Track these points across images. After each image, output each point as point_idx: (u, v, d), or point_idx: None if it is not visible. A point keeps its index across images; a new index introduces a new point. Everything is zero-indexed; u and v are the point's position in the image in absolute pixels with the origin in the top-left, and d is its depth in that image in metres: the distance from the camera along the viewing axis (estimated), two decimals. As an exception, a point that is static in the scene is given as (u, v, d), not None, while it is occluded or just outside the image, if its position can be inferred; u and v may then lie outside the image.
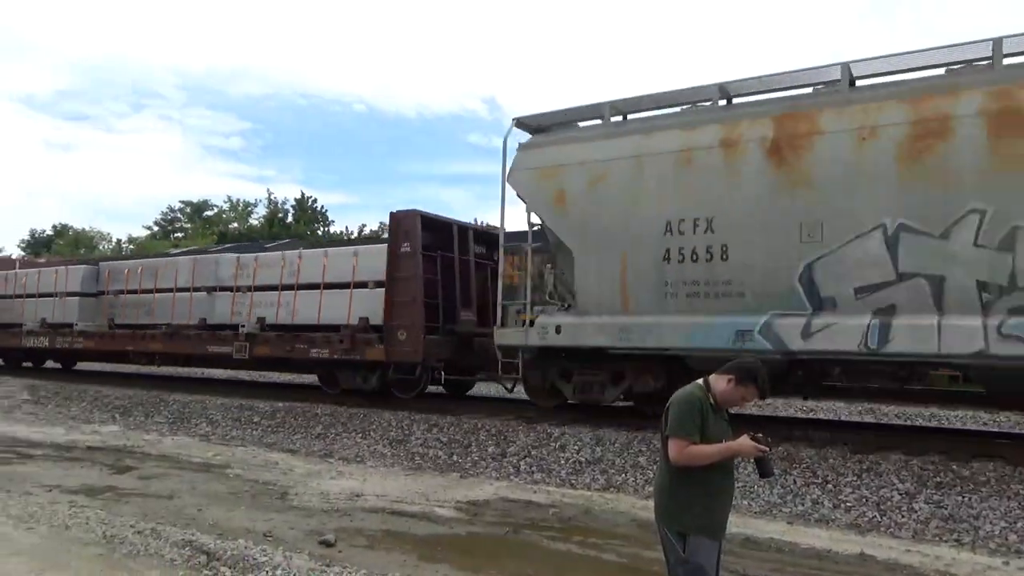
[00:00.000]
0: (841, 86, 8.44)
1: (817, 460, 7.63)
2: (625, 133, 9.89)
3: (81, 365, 20.25)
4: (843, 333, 7.94)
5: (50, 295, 17.99)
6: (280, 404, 12.20)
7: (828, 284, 8.12)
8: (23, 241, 55.63)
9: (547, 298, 10.71)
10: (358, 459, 9.26)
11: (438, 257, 12.15)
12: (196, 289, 15.00)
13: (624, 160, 9.61)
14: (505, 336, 10.56)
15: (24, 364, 20.09)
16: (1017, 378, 7.65)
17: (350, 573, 4.75)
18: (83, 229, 56.59)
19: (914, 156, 7.75)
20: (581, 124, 10.63)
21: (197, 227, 53.08)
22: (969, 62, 8.04)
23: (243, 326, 13.77)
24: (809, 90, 8.87)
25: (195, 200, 55.57)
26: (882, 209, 7.86)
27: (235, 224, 51.79)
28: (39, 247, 52.43)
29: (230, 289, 14.49)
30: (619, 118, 10.11)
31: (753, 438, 3.18)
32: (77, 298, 17.30)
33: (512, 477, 8.23)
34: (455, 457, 9.03)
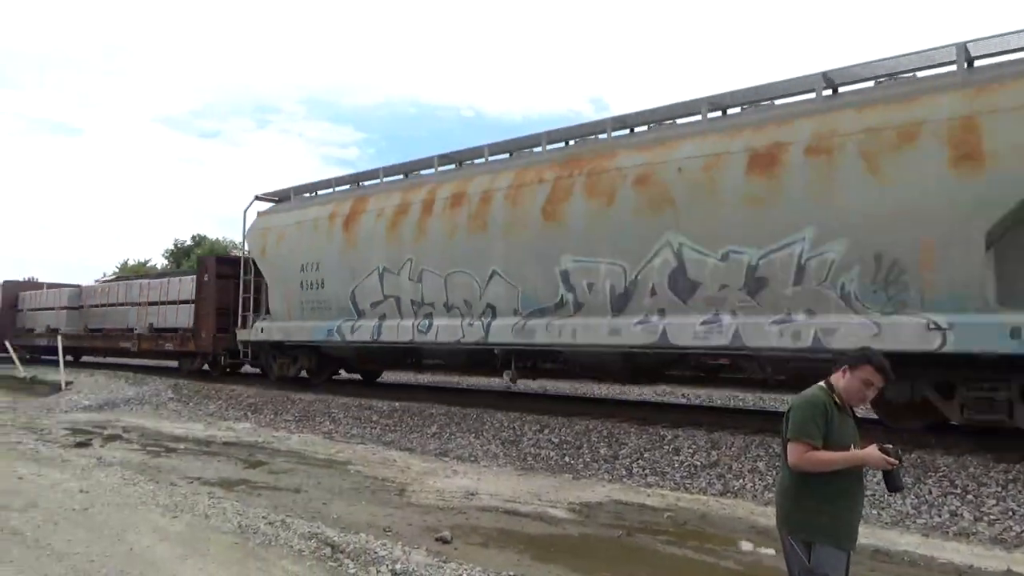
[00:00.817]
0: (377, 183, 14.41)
1: (955, 469, 7.10)
2: (296, 208, 15.84)
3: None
4: (365, 330, 13.45)
5: (51, 308, 26.51)
6: (397, 404, 12.62)
7: (361, 301, 13.62)
8: (167, 251, 60.18)
9: (265, 310, 16.48)
10: (472, 458, 9.44)
11: (231, 282, 17.22)
12: (125, 304, 22.87)
13: (292, 226, 15.43)
14: (240, 334, 16.58)
15: (43, 357, 26.62)
16: (431, 355, 14.42)
17: (466, 570, 4.85)
18: (217, 239, 60.62)
19: (393, 227, 13.01)
20: (314, 194, 16.09)
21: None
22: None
23: (135, 329, 21.48)
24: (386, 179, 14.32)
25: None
26: (378, 259, 13.26)
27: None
28: (181, 256, 56.46)
29: (138, 304, 21.97)
30: (328, 190, 15.86)
31: (882, 449, 2.98)
32: (65, 311, 25.63)
33: (624, 479, 8.14)
34: (567, 458, 9.04)
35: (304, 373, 16.15)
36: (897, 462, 2.97)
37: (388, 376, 19.99)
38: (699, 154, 9.40)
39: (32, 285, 30.50)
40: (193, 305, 18.54)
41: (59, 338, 21.31)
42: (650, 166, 9.83)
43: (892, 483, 3.07)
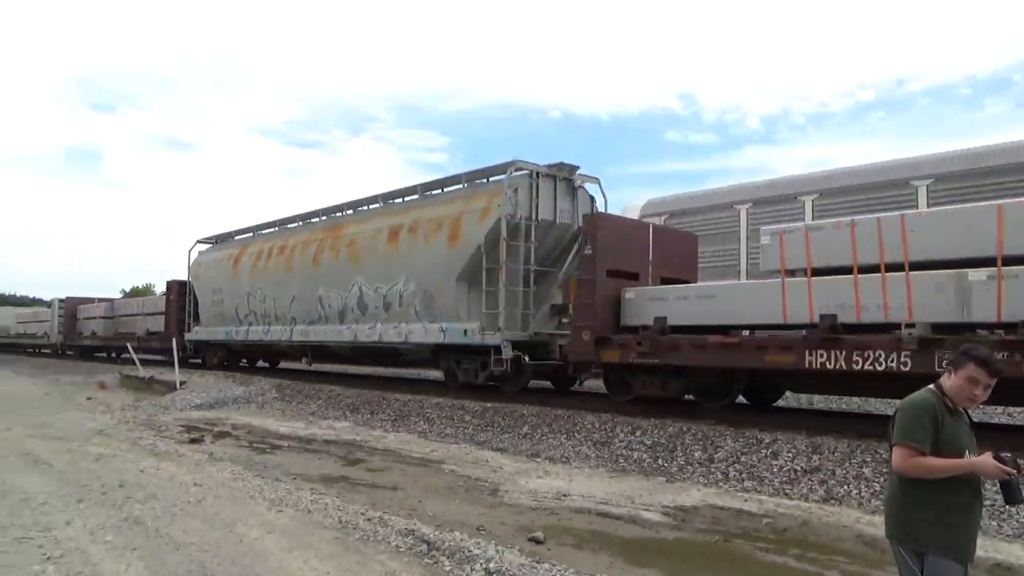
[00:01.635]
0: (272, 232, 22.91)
1: (1088, 479, 6.54)
2: (215, 251, 24.41)
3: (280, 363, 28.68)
4: (242, 333, 21.41)
5: (95, 318, 37.36)
6: (488, 404, 12.74)
7: (240, 314, 21.50)
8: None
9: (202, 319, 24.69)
10: (563, 459, 9.43)
11: (185, 300, 25.55)
12: (136, 315, 32.80)
13: (211, 262, 23.83)
14: (186, 336, 24.59)
15: (95, 354, 37.74)
16: (276, 348, 22.00)
17: (559, 571, 4.85)
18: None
19: (253, 267, 20.82)
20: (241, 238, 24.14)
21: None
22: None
23: (136, 332, 31.30)
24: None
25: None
26: (247, 286, 21.06)
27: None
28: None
29: (141, 314, 32.14)
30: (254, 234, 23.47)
31: (997, 457, 2.78)
32: (102, 319, 36.28)
33: (720, 484, 7.94)
34: (660, 461, 8.90)
35: (225, 363, 24.26)
36: (1015, 472, 2.78)
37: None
38: (374, 228, 16.58)
39: (85, 300, 41.56)
40: (164, 315, 27.81)
41: (173, 340, 22.79)
42: (355, 235, 17.15)
43: (1010, 495, 2.86)
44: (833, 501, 7.09)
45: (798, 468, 7.92)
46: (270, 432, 12.20)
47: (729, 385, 10.88)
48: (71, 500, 6.74)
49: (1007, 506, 5.79)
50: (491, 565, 4.89)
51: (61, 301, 42.17)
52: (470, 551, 5.19)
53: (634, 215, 16.78)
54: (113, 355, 35.38)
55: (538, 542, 5.70)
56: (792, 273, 9.30)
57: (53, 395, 19.57)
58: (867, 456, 7.79)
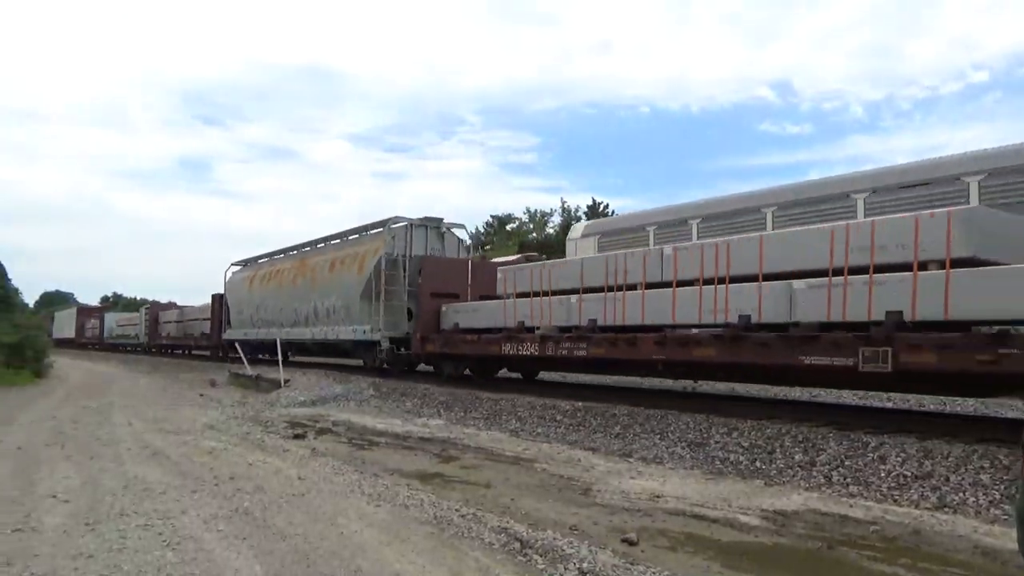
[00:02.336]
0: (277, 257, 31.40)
1: None
2: (241, 272, 32.52)
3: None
4: (254, 334, 28.77)
5: (170, 322, 45.32)
6: (580, 404, 12.71)
7: (252, 320, 29.62)
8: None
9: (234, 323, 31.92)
10: (656, 460, 9.29)
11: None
12: (196, 319, 40.04)
13: (238, 280, 31.98)
14: (223, 336, 32.42)
15: (173, 351, 46.04)
16: (274, 345, 24.48)
17: (654, 573, 4.79)
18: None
19: (260, 285, 29.75)
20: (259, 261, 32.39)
21: (500, 239, 57.54)
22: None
23: (194, 333, 39.78)
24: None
25: (500, 215, 60.85)
26: (257, 299, 29.19)
27: (533, 234, 55.27)
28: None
29: (198, 319, 39.41)
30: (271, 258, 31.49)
31: None
32: (174, 323, 44.30)
33: (823, 488, 7.63)
34: (758, 463, 8.63)
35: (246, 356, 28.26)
36: None
37: (570, 376, 20.42)
38: (324, 260, 23.89)
39: (165, 306, 50.51)
40: (210, 320, 35.66)
41: (278, 341, 23.95)
42: (314, 264, 24.41)
43: None
44: (947, 509, 6.69)
45: (908, 473, 7.52)
46: (368, 429, 12.59)
47: (488, 366, 17.80)
48: (186, 490, 7.17)
49: None
50: (584, 565, 4.88)
51: (147, 307, 51.56)
52: (563, 550, 5.20)
53: (577, 233, 21.15)
54: (184, 352, 43.42)
55: (631, 543, 5.63)
56: (512, 296, 15.12)
57: (169, 391, 20.88)
58: (984, 462, 7.31)
